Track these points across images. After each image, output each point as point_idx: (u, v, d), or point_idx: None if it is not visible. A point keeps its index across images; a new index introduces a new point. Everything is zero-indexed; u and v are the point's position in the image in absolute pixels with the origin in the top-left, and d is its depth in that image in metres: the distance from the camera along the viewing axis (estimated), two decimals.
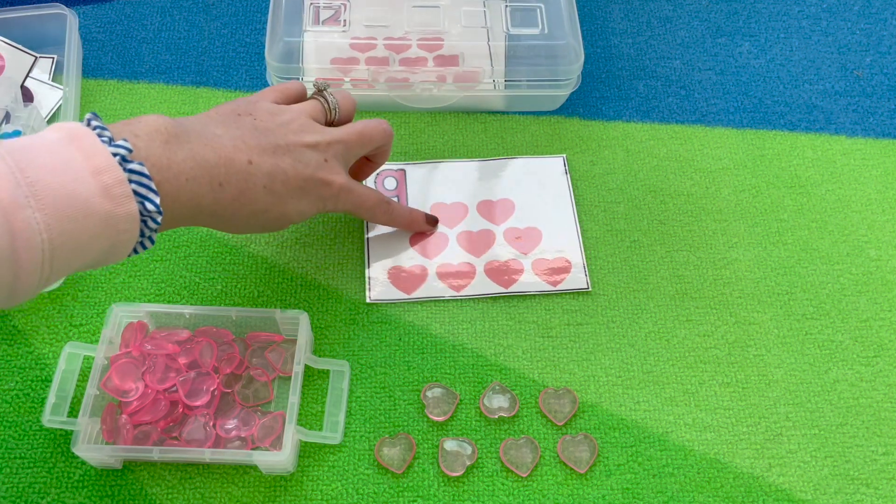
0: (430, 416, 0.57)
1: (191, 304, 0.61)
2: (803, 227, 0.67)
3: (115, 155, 0.43)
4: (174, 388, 0.55)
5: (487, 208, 0.67)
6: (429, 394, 0.58)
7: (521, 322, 0.61)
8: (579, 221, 0.66)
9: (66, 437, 0.56)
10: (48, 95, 0.71)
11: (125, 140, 0.44)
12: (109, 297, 0.62)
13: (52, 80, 0.72)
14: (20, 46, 0.72)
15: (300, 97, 0.59)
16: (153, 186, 0.44)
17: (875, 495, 0.55)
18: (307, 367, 0.58)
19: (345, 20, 0.71)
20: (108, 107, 0.71)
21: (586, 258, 0.64)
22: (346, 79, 0.69)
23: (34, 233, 0.39)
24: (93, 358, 0.56)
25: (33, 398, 0.57)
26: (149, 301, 0.61)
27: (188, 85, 0.73)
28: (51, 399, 0.54)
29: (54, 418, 0.53)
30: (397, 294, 0.62)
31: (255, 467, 0.55)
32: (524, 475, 0.55)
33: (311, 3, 0.71)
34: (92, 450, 0.53)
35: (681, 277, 0.64)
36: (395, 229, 0.65)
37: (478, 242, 0.65)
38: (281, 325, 0.58)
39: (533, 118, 0.72)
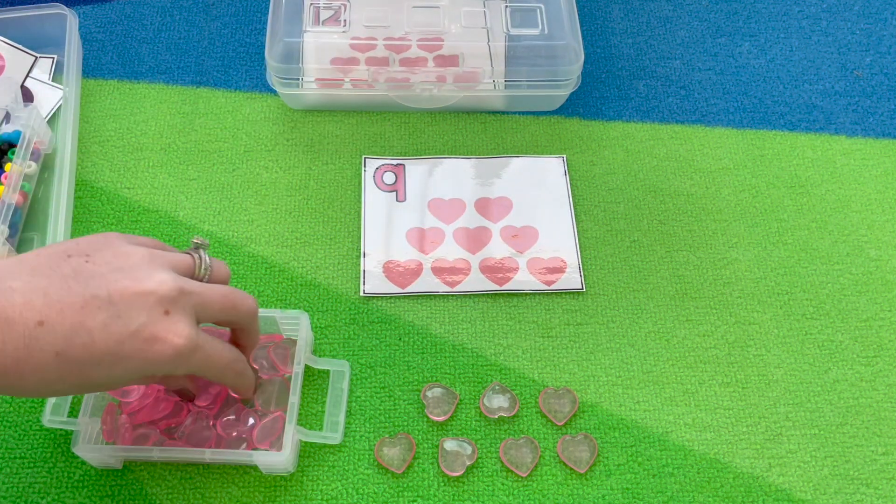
0: (430, 416, 0.57)
1: None
2: (803, 227, 0.67)
3: None
4: None
5: (485, 206, 0.67)
6: (429, 394, 0.58)
7: (521, 322, 0.61)
8: (579, 221, 0.66)
9: (66, 437, 0.56)
10: (48, 95, 0.71)
11: None
12: None
13: (52, 80, 0.72)
14: (20, 46, 0.72)
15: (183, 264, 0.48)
16: None
17: (875, 495, 0.55)
18: (307, 367, 0.58)
19: (345, 20, 0.71)
20: (107, 107, 0.71)
21: (587, 258, 0.64)
22: (346, 79, 0.69)
23: None
24: None
25: (33, 398, 0.57)
26: None
27: (188, 85, 0.73)
28: (51, 399, 0.54)
29: (54, 418, 0.53)
30: (391, 288, 0.62)
31: (255, 467, 0.55)
32: (524, 475, 0.55)
33: (311, 4, 0.71)
34: (92, 450, 0.53)
35: (681, 277, 0.64)
36: (391, 224, 0.65)
37: (474, 239, 0.65)
38: (281, 325, 0.58)
39: (533, 118, 0.72)
